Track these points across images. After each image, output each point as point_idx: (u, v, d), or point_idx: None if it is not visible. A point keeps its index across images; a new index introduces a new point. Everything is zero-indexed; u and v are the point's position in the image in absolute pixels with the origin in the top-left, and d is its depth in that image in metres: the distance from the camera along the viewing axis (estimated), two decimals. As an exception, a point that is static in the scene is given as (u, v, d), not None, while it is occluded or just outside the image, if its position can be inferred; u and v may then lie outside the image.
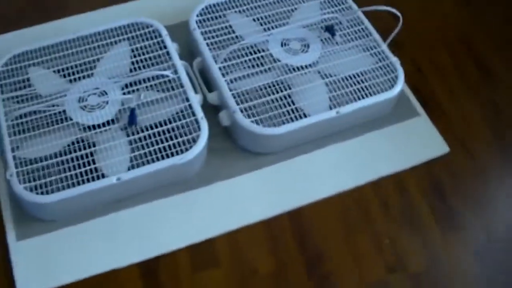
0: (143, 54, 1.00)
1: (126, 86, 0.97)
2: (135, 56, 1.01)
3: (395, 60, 1.04)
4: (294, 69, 1.02)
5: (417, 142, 1.04)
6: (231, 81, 0.98)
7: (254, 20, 1.08)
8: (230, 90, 0.96)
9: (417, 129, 1.05)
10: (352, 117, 1.00)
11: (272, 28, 1.07)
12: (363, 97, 1.00)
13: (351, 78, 1.02)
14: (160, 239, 0.90)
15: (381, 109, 1.03)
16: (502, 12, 1.27)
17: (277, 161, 0.98)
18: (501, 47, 1.21)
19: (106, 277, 0.87)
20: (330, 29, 1.04)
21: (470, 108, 1.11)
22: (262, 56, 1.02)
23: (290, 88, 1.00)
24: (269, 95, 0.98)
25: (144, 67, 0.99)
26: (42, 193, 0.86)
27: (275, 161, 0.98)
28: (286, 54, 1.02)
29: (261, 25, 1.08)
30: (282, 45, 1.03)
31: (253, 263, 0.90)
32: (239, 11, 1.08)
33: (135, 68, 0.99)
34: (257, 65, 1.01)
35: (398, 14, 1.04)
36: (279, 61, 1.01)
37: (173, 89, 0.97)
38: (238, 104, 0.95)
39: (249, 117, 0.94)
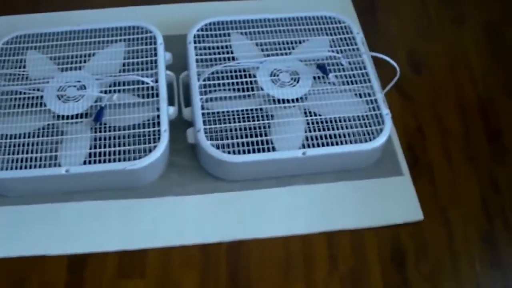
0: (135, 57, 1.04)
1: (111, 85, 1.01)
2: (127, 58, 1.05)
3: (386, 112, 0.99)
4: (275, 101, 1.01)
5: (390, 202, 0.99)
6: (207, 100, 0.99)
7: (257, 44, 1.09)
8: (202, 108, 0.97)
9: (395, 189, 1.00)
10: (322, 161, 0.97)
11: (273, 56, 1.07)
12: (338, 144, 0.97)
13: (334, 122, 1.00)
14: (96, 238, 0.93)
15: (358, 160, 0.99)
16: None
17: (234, 190, 0.97)
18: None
19: (35, 261, 0.92)
20: (322, 68, 1.01)
21: (465, 180, 1.03)
22: (247, 82, 1.02)
23: (265, 119, 0.99)
24: (242, 121, 0.98)
25: (131, 70, 1.03)
26: (-5, 167, 0.93)
27: (232, 189, 0.98)
28: (272, 85, 1.01)
29: (263, 51, 1.08)
30: (271, 75, 1.03)
31: (178, 284, 0.90)
32: (245, 33, 1.09)
33: (124, 70, 1.04)
34: (239, 89, 1.02)
35: (395, 65, 0.99)
36: (262, 90, 1.01)
37: (148, 97, 1.00)
38: (205, 124, 0.96)
39: (212, 139, 0.95)
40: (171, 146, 0.99)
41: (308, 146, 0.96)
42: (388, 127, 0.99)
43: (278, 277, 0.92)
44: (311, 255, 0.94)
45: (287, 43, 1.09)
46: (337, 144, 0.97)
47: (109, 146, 0.95)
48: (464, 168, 1.05)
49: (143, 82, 1.00)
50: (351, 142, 0.97)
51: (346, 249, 0.95)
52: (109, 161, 0.93)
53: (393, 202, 0.99)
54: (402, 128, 1.08)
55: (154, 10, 1.21)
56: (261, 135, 0.98)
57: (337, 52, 1.07)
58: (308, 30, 1.11)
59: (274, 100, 1.01)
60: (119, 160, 0.94)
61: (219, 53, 1.06)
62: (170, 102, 1.02)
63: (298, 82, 1.02)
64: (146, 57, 1.04)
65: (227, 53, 1.06)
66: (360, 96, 1.03)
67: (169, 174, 0.98)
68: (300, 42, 1.09)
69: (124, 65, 1.04)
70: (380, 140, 0.97)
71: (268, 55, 1.07)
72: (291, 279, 0.92)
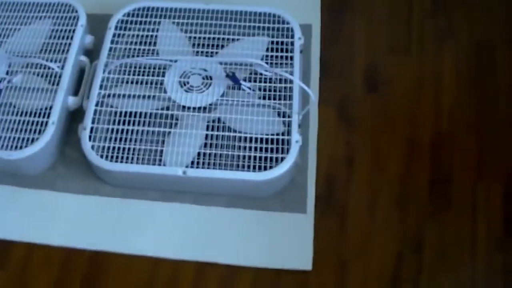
0: (56, 38, 0.99)
1: (24, 66, 0.96)
2: (51, 37, 0.99)
3: (295, 139, 0.86)
4: (178, 107, 0.91)
5: (280, 242, 0.87)
6: (105, 96, 0.92)
7: (190, 38, 0.98)
8: (97, 105, 0.91)
9: (291, 227, 0.88)
10: (210, 183, 0.88)
11: (204, 53, 0.96)
12: (233, 167, 0.87)
13: (237, 140, 0.89)
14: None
15: (250, 188, 0.88)
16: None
17: (115, 196, 0.91)
18: (482, 174, 0.92)
19: None
20: (232, 78, 0.89)
21: (384, 232, 0.88)
22: (152, 82, 0.93)
23: (168, 126, 0.90)
24: (136, 125, 0.90)
25: (51, 51, 0.98)
26: None
27: (113, 194, 0.92)
28: (177, 88, 0.92)
29: (195, 46, 0.97)
30: (182, 76, 0.93)
31: (33, 282, 0.87)
32: (178, 23, 0.99)
33: (45, 50, 0.98)
34: (144, 89, 0.93)
35: (310, 93, 0.86)
36: (165, 92, 0.92)
37: (54, 83, 0.94)
38: (93, 122, 0.90)
39: (94, 140, 0.89)
40: (67, 136, 0.95)
41: (197, 165, 0.87)
42: (292, 158, 0.86)
43: (134, 301, 0.87)
44: (175, 285, 0.86)
45: (224, 40, 0.98)
46: (231, 167, 0.87)
47: (2, 132, 0.93)
48: (388, 216, 0.90)
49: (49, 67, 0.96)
50: (245, 169, 0.87)
51: (213, 285, 0.86)
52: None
53: (284, 242, 0.87)
54: (327, 156, 0.94)
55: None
56: (159, 143, 0.90)
57: (271, 58, 0.95)
58: (248, 27, 0.98)
59: (173, 106, 0.92)
60: (8, 147, 0.91)
61: (140, 44, 0.98)
62: (77, 91, 0.97)
63: (208, 88, 0.93)
64: (66, 38, 0.98)
65: (150, 44, 0.98)
66: (279, 115, 0.91)
67: (58, 166, 0.94)
68: (233, 40, 0.97)
69: (46, 45, 0.99)
70: (276, 172, 0.85)
71: (199, 52, 0.97)
72: (146, 305, 0.86)
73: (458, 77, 1.01)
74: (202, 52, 0.97)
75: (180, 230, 0.89)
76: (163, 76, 0.94)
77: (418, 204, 0.90)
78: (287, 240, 0.87)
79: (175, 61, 0.94)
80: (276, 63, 0.94)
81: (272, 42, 0.97)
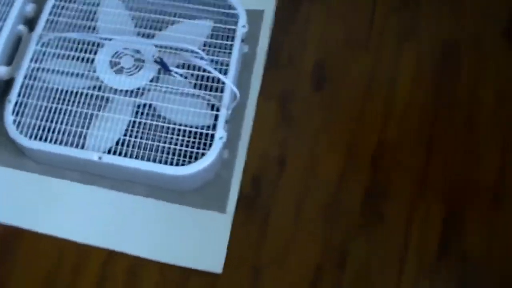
0: (-3, 5, 0.97)
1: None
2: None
3: (220, 135, 0.82)
4: (106, 88, 0.88)
5: (193, 240, 0.84)
6: (35, 70, 0.89)
7: (131, 16, 0.93)
8: (25, 77, 0.88)
9: (207, 226, 0.85)
10: (127, 171, 0.84)
11: (144, 34, 0.92)
12: (146, 158, 0.83)
13: (159, 130, 0.85)
14: None
15: (168, 182, 0.85)
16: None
17: (35, 171, 0.89)
18: (423, 192, 0.86)
19: None
20: (161, 63, 0.85)
21: (306, 242, 0.83)
22: (84, 59, 0.89)
23: (87, 107, 0.87)
24: (63, 104, 0.87)
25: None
26: None
27: (34, 170, 0.90)
28: (107, 68, 0.88)
29: (136, 26, 0.93)
30: (114, 56, 0.89)
31: None
32: (124, 1, 0.95)
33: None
34: (74, 65, 0.89)
35: (236, 91, 0.82)
36: (94, 72, 0.88)
37: (-14, 52, 0.93)
38: (19, 95, 0.87)
39: (18, 114, 0.86)
40: (-1, 108, 0.95)
41: (116, 151, 0.83)
42: (212, 155, 0.82)
43: (39, 283, 0.84)
44: (81, 271, 0.84)
45: (166, 21, 0.93)
46: (151, 157, 0.83)
47: None
48: (313, 225, 0.85)
49: (-16, 35, 0.93)
50: (166, 160, 0.83)
51: (119, 276, 0.83)
52: None
53: (197, 241, 0.84)
54: (259, 154, 0.89)
55: None
56: (80, 125, 0.86)
57: (210, 45, 0.90)
58: (194, 10, 0.93)
59: (102, 87, 0.87)
60: None
61: (79, 18, 0.93)
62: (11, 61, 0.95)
63: (139, 71, 0.88)
64: (5, 5, 0.94)
65: (90, 19, 0.93)
66: (212, 108, 0.87)
67: (-14, 138, 0.94)
68: (172, 23, 0.92)
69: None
70: (194, 168, 0.81)
71: (139, 33, 0.92)
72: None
73: (416, 81, 0.94)
74: (142, 33, 0.92)
75: (94, 214, 0.87)
76: (89, 54, 0.90)
77: (348, 216, 0.86)
78: (201, 239, 0.84)
79: (111, 39, 0.92)
80: (214, 51, 0.90)
81: (216, 28, 0.93)
